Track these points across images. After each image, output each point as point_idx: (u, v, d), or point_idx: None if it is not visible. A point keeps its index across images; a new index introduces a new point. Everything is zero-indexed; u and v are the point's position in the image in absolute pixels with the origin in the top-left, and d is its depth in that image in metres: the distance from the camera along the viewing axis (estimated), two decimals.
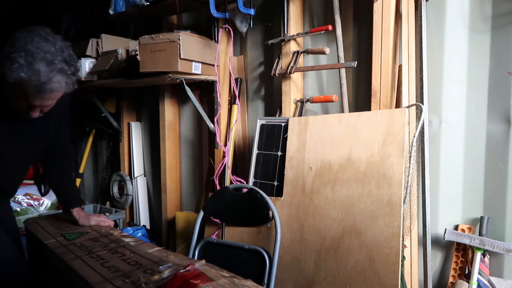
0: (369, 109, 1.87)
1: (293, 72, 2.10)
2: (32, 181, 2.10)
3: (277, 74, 2.17)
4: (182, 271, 1.16)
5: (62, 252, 1.47)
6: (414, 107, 1.79)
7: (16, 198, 3.14)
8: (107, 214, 3.06)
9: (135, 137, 3.27)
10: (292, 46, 2.16)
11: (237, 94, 2.48)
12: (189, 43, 2.19)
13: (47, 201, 3.46)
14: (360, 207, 1.68)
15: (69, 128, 1.83)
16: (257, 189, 1.89)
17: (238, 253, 1.82)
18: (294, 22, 2.16)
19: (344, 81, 1.99)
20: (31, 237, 1.76)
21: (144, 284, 1.15)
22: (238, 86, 2.49)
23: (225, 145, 2.46)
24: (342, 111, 2.00)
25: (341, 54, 1.98)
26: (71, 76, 1.35)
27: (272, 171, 2.04)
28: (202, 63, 2.32)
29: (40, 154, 1.76)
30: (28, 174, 1.99)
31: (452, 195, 1.88)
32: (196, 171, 2.93)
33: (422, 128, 1.78)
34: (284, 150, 2.00)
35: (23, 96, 1.33)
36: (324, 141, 1.85)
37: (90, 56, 2.80)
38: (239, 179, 2.34)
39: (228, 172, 2.41)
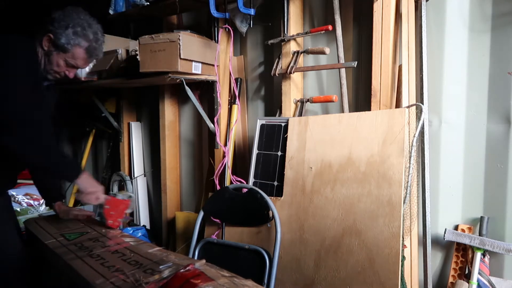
0: (369, 109, 1.87)
1: (293, 72, 2.10)
2: (32, 181, 2.12)
3: (277, 74, 2.17)
4: (182, 270, 1.16)
5: (63, 252, 1.47)
6: (414, 107, 1.79)
7: (16, 198, 3.14)
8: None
9: (135, 137, 3.27)
10: (292, 46, 2.16)
11: (237, 94, 2.48)
12: (189, 43, 2.19)
13: None
14: (360, 207, 1.68)
15: (52, 127, 1.91)
16: (257, 189, 1.89)
17: (238, 253, 1.82)
18: (294, 22, 2.17)
19: (344, 81, 1.99)
20: (31, 237, 1.76)
21: (145, 283, 1.15)
22: (238, 86, 2.49)
23: (225, 145, 2.46)
24: (342, 111, 2.00)
25: (341, 54, 1.98)
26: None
27: (272, 171, 2.04)
28: (202, 63, 2.32)
29: None
30: (28, 174, 2.01)
31: (452, 195, 1.88)
32: (196, 171, 2.93)
33: (422, 128, 1.78)
34: (284, 150, 2.00)
35: (72, 59, 1.61)
36: (324, 141, 1.85)
37: None
38: (239, 179, 2.34)
39: (228, 172, 2.41)
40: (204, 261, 1.25)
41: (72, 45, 1.58)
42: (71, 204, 3.55)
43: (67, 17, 1.58)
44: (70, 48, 1.59)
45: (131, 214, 3.28)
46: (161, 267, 1.27)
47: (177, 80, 2.29)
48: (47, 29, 1.58)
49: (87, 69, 2.75)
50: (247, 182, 2.13)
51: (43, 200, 3.29)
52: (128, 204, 1.82)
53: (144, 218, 3.22)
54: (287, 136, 2.00)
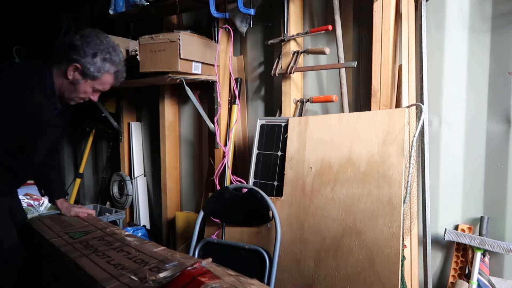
0: (369, 109, 1.87)
1: (293, 72, 2.10)
2: (32, 181, 2.13)
3: (277, 74, 2.17)
4: (189, 268, 1.16)
5: (68, 250, 1.47)
6: (414, 107, 1.79)
7: None
8: (107, 214, 3.06)
9: (135, 137, 3.27)
10: (292, 46, 2.16)
11: (237, 94, 2.48)
12: (189, 43, 2.19)
13: (47, 201, 3.46)
14: (360, 207, 1.68)
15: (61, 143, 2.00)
16: (257, 189, 1.89)
17: (238, 253, 1.82)
18: (294, 22, 2.16)
19: (344, 81, 1.99)
20: (36, 235, 1.76)
21: (151, 281, 1.15)
22: (238, 86, 2.49)
23: (225, 145, 2.46)
24: (342, 111, 2.00)
25: (341, 54, 1.98)
26: None
27: (272, 171, 2.04)
28: (202, 63, 2.32)
29: None
30: None
31: (452, 195, 1.88)
32: (196, 171, 2.93)
33: (422, 128, 1.78)
34: (284, 150, 2.00)
35: (101, 85, 1.61)
36: (324, 141, 1.85)
37: None
38: (239, 179, 2.34)
39: (228, 172, 2.41)
40: (210, 259, 1.25)
41: (102, 73, 1.57)
42: (71, 202, 3.56)
43: (91, 44, 1.54)
44: (100, 76, 1.58)
45: (131, 214, 3.28)
46: (166, 265, 1.27)
47: (177, 80, 2.29)
48: (71, 59, 1.53)
49: None
50: (247, 182, 2.13)
51: (43, 200, 3.30)
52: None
53: (144, 218, 3.22)
54: (287, 136, 2.00)
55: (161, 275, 1.19)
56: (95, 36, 1.57)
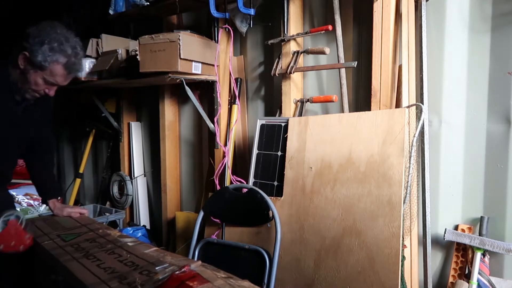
0: (369, 109, 1.87)
1: (293, 72, 2.10)
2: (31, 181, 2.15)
3: (277, 74, 2.17)
4: (178, 272, 1.16)
5: (59, 254, 1.47)
6: (414, 107, 1.79)
7: (16, 198, 3.13)
8: (107, 214, 3.07)
9: (135, 137, 3.27)
10: (292, 46, 2.16)
11: (237, 94, 2.48)
12: (189, 43, 2.19)
13: None
14: (360, 207, 1.68)
15: (51, 130, 1.97)
16: (257, 189, 1.89)
17: (238, 253, 1.82)
18: (294, 22, 2.16)
19: (344, 81, 1.99)
20: None
21: (140, 285, 1.15)
22: (238, 86, 2.49)
23: (225, 145, 2.46)
24: (342, 111, 2.00)
25: (341, 54, 1.98)
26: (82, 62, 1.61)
27: (272, 171, 2.04)
28: (202, 63, 2.32)
29: (26, 146, 1.83)
30: (27, 174, 2.01)
31: (452, 195, 1.88)
32: (196, 171, 2.93)
33: (422, 128, 1.78)
34: (284, 150, 2.00)
35: (51, 76, 1.52)
36: (324, 141, 1.85)
37: (90, 56, 2.80)
38: (239, 179, 2.34)
39: (228, 172, 2.41)
40: (200, 262, 1.25)
41: (50, 62, 1.48)
42: (71, 204, 3.56)
43: (42, 32, 1.48)
44: (48, 65, 1.49)
45: (131, 214, 3.28)
46: (157, 268, 1.27)
47: (177, 80, 2.29)
48: (22, 47, 1.49)
49: (87, 69, 2.76)
50: (247, 182, 2.13)
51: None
52: (15, 223, 1.56)
53: (144, 218, 3.22)
54: (287, 136, 2.00)
55: (150, 279, 1.18)
56: (49, 26, 1.51)
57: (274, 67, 2.20)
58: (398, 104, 1.84)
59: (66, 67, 1.52)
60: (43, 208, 3.30)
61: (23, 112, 1.66)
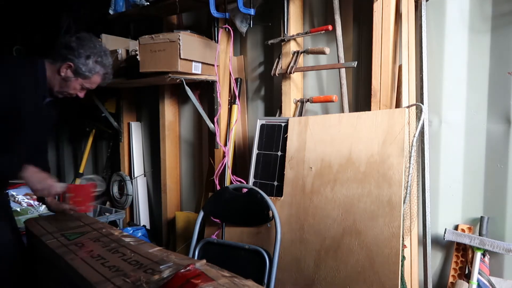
0: (369, 109, 1.87)
1: (293, 72, 2.10)
2: None
3: (277, 74, 2.17)
4: (183, 270, 1.16)
5: (63, 252, 1.47)
6: (414, 107, 1.79)
7: (16, 198, 3.13)
8: (107, 214, 3.06)
9: (135, 137, 3.27)
10: (292, 46, 2.16)
11: (237, 94, 2.48)
12: (189, 43, 2.19)
13: None
14: (360, 207, 1.68)
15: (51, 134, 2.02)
16: (257, 189, 1.89)
17: (238, 253, 1.82)
18: (294, 22, 2.17)
19: (344, 81, 1.99)
20: (32, 237, 1.76)
21: (145, 283, 1.15)
22: (238, 86, 2.49)
23: (225, 145, 2.46)
24: (342, 111, 2.00)
25: (341, 54, 1.98)
26: None
27: (272, 171, 2.04)
28: (202, 63, 2.32)
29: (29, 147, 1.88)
30: None
31: (452, 195, 1.88)
32: (196, 171, 2.93)
33: (422, 128, 1.78)
34: (284, 150, 2.00)
35: (89, 84, 1.76)
36: (324, 141, 1.85)
37: None
38: (239, 179, 2.34)
39: (228, 172, 2.41)
40: (204, 261, 1.25)
41: (93, 73, 1.73)
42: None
43: (85, 46, 1.70)
44: (91, 75, 1.73)
45: (131, 214, 3.28)
46: (161, 267, 1.27)
47: (177, 80, 2.29)
48: (65, 58, 1.68)
49: None
50: (247, 182, 2.13)
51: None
52: (92, 186, 1.85)
53: (144, 218, 3.22)
54: (287, 136, 2.00)
55: (155, 277, 1.18)
56: (89, 40, 1.72)
57: (274, 67, 2.20)
58: (398, 104, 1.84)
59: (103, 77, 1.79)
60: (43, 208, 3.30)
61: (45, 108, 1.81)
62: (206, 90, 2.66)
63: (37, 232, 1.72)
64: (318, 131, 1.89)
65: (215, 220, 2.19)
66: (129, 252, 1.44)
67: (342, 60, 1.98)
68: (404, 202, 1.61)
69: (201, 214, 2.01)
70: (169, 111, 2.87)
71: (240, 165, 2.56)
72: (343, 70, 1.99)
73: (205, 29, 2.64)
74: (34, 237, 1.71)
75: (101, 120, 3.41)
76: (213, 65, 2.38)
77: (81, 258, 1.40)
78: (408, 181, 1.65)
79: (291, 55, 2.14)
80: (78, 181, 1.89)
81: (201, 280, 1.10)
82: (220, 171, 2.43)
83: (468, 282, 1.74)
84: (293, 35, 2.14)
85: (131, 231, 2.84)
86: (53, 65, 1.70)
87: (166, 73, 2.22)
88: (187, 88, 2.32)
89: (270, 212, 1.84)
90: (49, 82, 1.73)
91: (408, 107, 1.76)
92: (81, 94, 1.81)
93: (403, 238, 1.58)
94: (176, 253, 1.43)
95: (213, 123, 2.47)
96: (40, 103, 1.74)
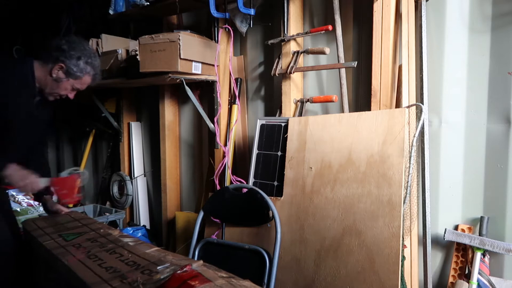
0: (369, 109, 1.87)
1: (293, 72, 2.10)
2: None
3: (277, 74, 2.17)
4: (179, 272, 1.16)
5: (60, 253, 1.47)
6: (414, 107, 1.79)
7: (16, 198, 3.14)
8: (107, 214, 3.06)
9: (135, 137, 3.27)
10: (292, 46, 2.16)
11: (237, 94, 2.48)
12: (189, 43, 2.19)
13: None
14: (360, 207, 1.68)
15: (46, 136, 2.07)
16: (257, 189, 1.89)
17: (238, 253, 1.82)
18: (294, 22, 2.17)
19: (344, 81, 1.99)
20: (29, 238, 1.76)
21: (142, 285, 1.15)
22: (238, 86, 2.49)
23: (225, 145, 2.46)
24: (342, 111, 2.00)
25: (341, 54, 1.98)
26: None
27: (272, 171, 2.04)
28: (202, 63, 2.32)
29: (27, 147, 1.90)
30: None
31: (452, 195, 1.88)
32: (196, 171, 2.93)
33: (422, 128, 1.78)
34: (284, 150, 2.00)
35: (80, 84, 1.78)
36: (324, 141, 1.85)
37: None
38: (239, 179, 2.34)
39: (228, 172, 2.41)
40: (201, 261, 1.25)
41: (84, 73, 1.76)
42: (71, 204, 3.55)
43: (76, 48, 1.74)
44: (82, 76, 1.76)
45: (131, 214, 3.28)
46: (158, 268, 1.27)
47: (177, 80, 2.29)
48: (57, 59, 1.71)
49: None
50: (247, 182, 2.13)
51: None
52: (75, 178, 1.84)
53: (144, 218, 3.22)
54: (287, 136, 2.00)
55: (152, 278, 1.18)
56: (79, 43, 1.77)
57: (274, 67, 2.20)
58: (398, 104, 1.84)
59: (93, 77, 1.81)
60: (43, 208, 3.30)
61: (36, 109, 1.83)
62: (206, 90, 2.67)
63: (35, 233, 1.72)
64: (318, 131, 1.89)
65: (215, 220, 2.19)
66: (127, 252, 1.44)
67: (342, 60, 1.98)
68: (404, 202, 1.61)
69: (201, 214, 2.01)
70: (169, 111, 2.87)
71: (240, 165, 2.56)
72: (343, 70, 1.99)
73: (205, 29, 2.64)
74: (32, 238, 1.71)
75: (101, 120, 3.41)
76: (213, 65, 2.38)
77: (78, 259, 1.40)
78: (408, 181, 1.65)
79: (291, 55, 2.14)
80: (65, 172, 1.89)
81: (198, 281, 1.10)
82: (220, 171, 2.43)
83: (468, 282, 1.74)
84: (293, 35, 2.14)
85: (131, 231, 2.84)
86: (44, 67, 1.73)
87: (166, 73, 2.22)
88: (187, 88, 2.32)
89: (270, 212, 1.84)
90: (40, 83, 1.75)
91: (408, 107, 1.76)
92: (71, 95, 1.83)
93: (403, 238, 1.58)
94: (174, 253, 1.43)
95: (213, 123, 2.47)
96: (30, 103, 1.75)
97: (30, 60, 1.74)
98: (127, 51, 2.58)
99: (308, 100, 2.12)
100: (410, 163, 1.66)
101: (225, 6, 2.32)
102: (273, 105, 2.45)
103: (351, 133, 1.78)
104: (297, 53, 2.12)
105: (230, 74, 2.48)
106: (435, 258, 1.92)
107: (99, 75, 1.85)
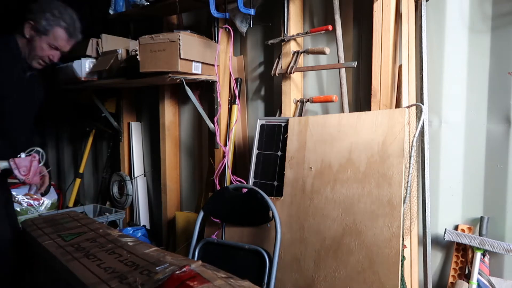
0: (369, 109, 1.87)
1: (293, 72, 2.10)
2: None
3: (277, 74, 2.17)
4: (178, 272, 1.16)
5: (59, 253, 1.47)
6: (414, 107, 1.79)
7: (16, 198, 3.14)
8: (107, 214, 3.07)
9: (135, 137, 3.27)
10: (292, 46, 2.16)
11: (237, 94, 2.48)
12: (189, 43, 2.19)
13: (47, 201, 3.46)
14: (360, 207, 1.68)
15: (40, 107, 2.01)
16: (257, 189, 1.89)
17: (238, 253, 1.82)
18: (294, 22, 2.17)
19: (344, 81, 1.99)
20: (29, 238, 1.76)
21: (140, 285, 1.15)
22: (238, 86, 2.49)
23: (225, 145, 2.46)
24: (342, 111, 2.00)
25: (341, 54, 1.98)
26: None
27: (272, 171, 2.04)
28: (202, 63, 2.32)
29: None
30: None
31: (452, 195, 1.88)
32: (196, 171, 2.93)
33: (422, 128, 1.78)
34: (284, 150, 2.00)
35: (54, 41, 1.72)
36: (324, 141, 1.85)
37: (90, 56, 2.80)
38: (239, 179, 2.34)
39: (228, 172, 2.41)
40: (200, 262, 1.25)
41: (52, 25, 1.70)
42: (71, 203, 3.56)
43: (44, 4, 1.71)
44: (51, 29, 1.70)
45: (131, 214, 3.28)
46: (157, 268, 1.27)
47: (177, 80, 2.29)
48: (26, 18, 1.69)
49: (87, 69, 2.76)
50: (247, 182, 2.13)
51: (43, 199, 3.30)
52: (33, 157, 1.79)
53: (144, 218, 3.22)
54: (287, 136, 2.00)
55: (151, 279, 1.18)
56: (48, 1, 1.74)
57: (274, 67, 2.20)
58: (398, 104, 1.84)
59: (67, 31, 1.74)
60: (43, 208, 3.31)
61: (27, 82, 1.81)
62: (206, 90, 2.67)
63: (34, 233, 1.72)
64: (318, 131, 1.89)
65: (215, 220, 2.19)
66: (126, 253, 1.44)
67: (342, 60, 1.98)
68: (404, 202, 1.61)
69: (201, 214, 2.01)
70: (169, 111, 2.87)
71: (240, 165, 2.56)
72: (343, 70, 1.99)
73: (205, 29, 2.64)
74: (31, 238, 1.71)
75: (101, 120, 3.41)
76: (213, 65, 2.38)
77: (77, 260, 1.40)
78: (408, 181, 1.65)
79: (291, 55, 2.14)
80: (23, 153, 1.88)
81: (196, 282, 1.10)
82: (220, 171, 2.43)
83: (468, 282, 1.74)
84: (293, 35, 2.14)
85: (131, 231, 2.84)
86: (20, 33, 1.71)
87: (166, 73, 2.22)
88: (187, 88, 2.32)
89: (270, 212, 1.84)
90: (24, 53, 1.73)
91: (408, 107, 1.76)
92: (55, 58, 1.77)
93: (403, 238, 1.58)
94: (173, 253, 1.43)
95: (213, 123, 2.47)
96: (21, 79, 1.74)
97: (11, 36, 1.72)
98: (127, 51, 2.58)
99: (308, 100, 2.12)
100: (410, 163, 1.66)
101: (225, 6, 2.32)
102: (273, 105, 2.45)
103: (351, 133, 1.78)
104: (297, 53, 2.12)
105: (230, 74, 2.48)
106: (435, 258, 1.92)
107: (77, 30, 1.78)
